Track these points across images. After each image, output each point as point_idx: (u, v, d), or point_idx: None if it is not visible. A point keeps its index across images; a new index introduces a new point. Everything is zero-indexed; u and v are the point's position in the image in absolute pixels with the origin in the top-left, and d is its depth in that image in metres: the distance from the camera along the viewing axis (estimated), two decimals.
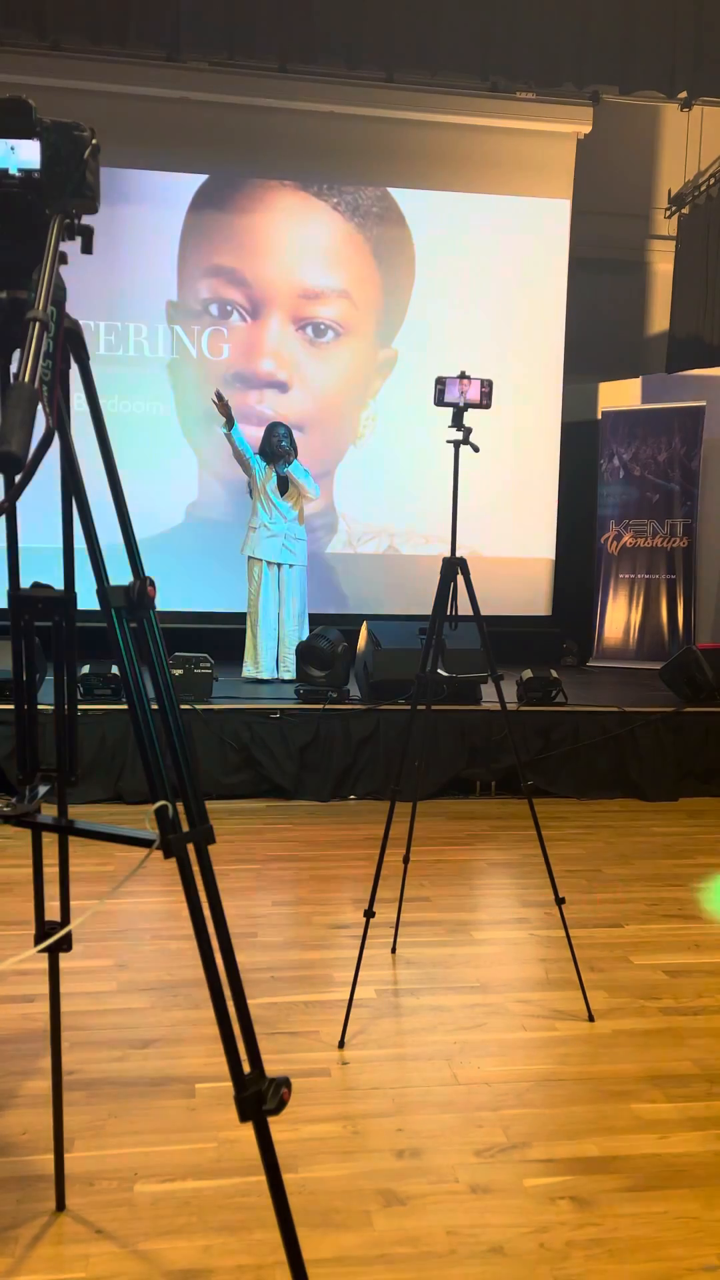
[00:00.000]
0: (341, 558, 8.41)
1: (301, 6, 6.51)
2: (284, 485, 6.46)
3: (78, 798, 5.20)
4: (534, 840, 3.26)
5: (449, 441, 3.18)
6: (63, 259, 1.43)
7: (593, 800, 5.72)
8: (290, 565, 6.50)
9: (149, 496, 7.85)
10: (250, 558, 6.52)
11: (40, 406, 1.17)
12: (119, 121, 7.60)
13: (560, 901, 3.14)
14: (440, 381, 3.11)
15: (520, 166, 8.39)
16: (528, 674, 6.04)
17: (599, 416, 8.66)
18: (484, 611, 3.26)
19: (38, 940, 1.84)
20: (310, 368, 8.31)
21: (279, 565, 6.48)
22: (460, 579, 3.21)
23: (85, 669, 5.61)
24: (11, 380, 1.25)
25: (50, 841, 2.01)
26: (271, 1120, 1.63)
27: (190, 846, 1.62)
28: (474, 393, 3.10)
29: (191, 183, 8.07)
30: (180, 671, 5.68)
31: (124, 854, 4.35)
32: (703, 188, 8.84)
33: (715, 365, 8.50)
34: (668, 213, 9.29)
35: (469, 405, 3.11)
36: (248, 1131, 1.61)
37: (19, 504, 1.35)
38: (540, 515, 8.70)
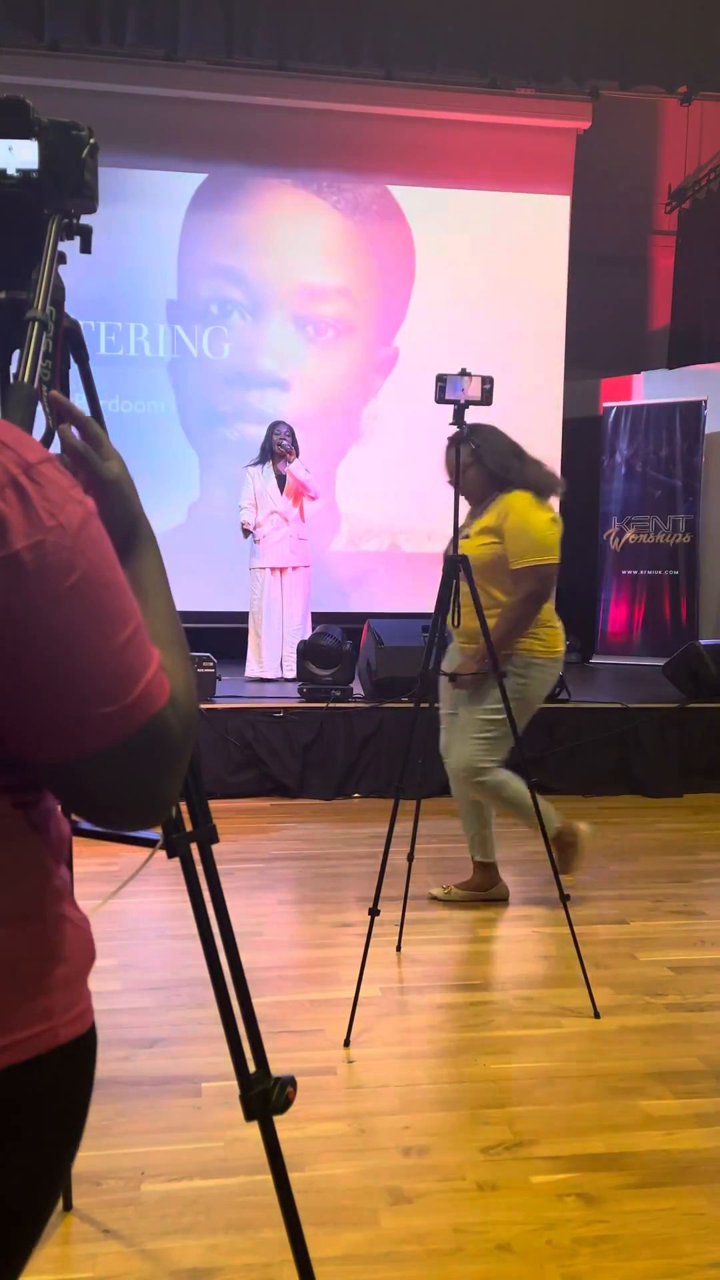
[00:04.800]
0: (343, 556, 8.40)
1: (299, 4, 6.51)
2: (281, 483, 6.46)
3: None
4: (537, 837, 3.26)
5: (450, 439, 3.18)
6: (62, 259, 1.43)
7: (597, 797, 5.71)
8: (293, 568, 6.49)
9: (150, 496, 7.67)
10: (252, 568, 6.54)
11: (40, 407, 1.17)
12: (118, 121, 7.59)
13: (565, 898, 3.15)
14: (441, 379, 3.10)
15: (520, 162, 8.37)
16: None
17: (600, 412, 8.65)
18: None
19: None
20: (311, 366, 8.31)
21: (281, 570, 6.47)
22: (462, 576, 3.21)
23: None
24: (11, 381, 1.25)
25: None
26: (278, 1119, 1.63)
27: (194, 846, 1.62)
28: (475, 390, 3.09)
29: (191, 182, 8.07)
30: None
31: (129, 853, 4.35)
32: (703, 182, 8.83)
33: (717, 360, 8.48)
34: (668, 207, 9.27)
35: (470, 402, 3.10)
36: (254, 1130, 1.61)
37: None
38: None
